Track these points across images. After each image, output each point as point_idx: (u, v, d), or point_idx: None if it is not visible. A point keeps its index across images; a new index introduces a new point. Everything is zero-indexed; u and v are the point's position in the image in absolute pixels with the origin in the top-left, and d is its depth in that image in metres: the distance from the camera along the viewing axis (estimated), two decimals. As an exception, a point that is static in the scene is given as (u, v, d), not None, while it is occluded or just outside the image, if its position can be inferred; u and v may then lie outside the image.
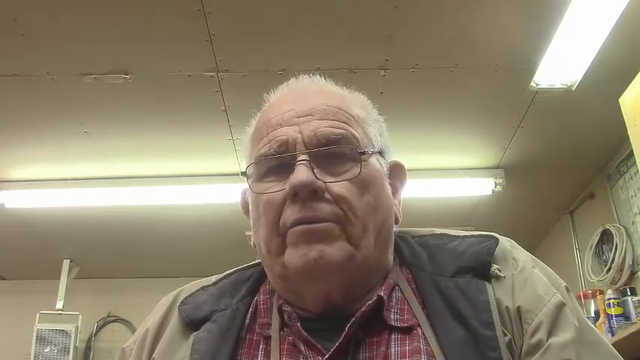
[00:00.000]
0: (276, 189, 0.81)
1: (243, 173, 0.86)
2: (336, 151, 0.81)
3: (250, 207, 0.87)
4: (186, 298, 0.88)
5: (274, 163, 0.82)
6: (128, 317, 4.81)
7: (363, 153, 0.82)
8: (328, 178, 0.80)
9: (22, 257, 4.59)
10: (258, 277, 0.90)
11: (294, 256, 0.78)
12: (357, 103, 0.90)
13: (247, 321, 0.85)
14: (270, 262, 0.83)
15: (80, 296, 4.69)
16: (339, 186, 0.79)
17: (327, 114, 0.84)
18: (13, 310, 4.81)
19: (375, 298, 0.79)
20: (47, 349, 4.36)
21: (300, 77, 0.93)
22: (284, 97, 0.89)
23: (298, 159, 0.80)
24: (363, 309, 0.77)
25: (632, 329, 2.70)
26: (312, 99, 0.86)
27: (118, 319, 4.87)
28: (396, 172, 0.91)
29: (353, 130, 0.84)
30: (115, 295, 4.90)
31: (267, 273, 0.87)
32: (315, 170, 0.79)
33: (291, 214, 0.78)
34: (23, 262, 4.68)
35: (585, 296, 3.32)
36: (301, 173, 0.78)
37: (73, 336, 4.43)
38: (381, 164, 0.86)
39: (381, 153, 0.87)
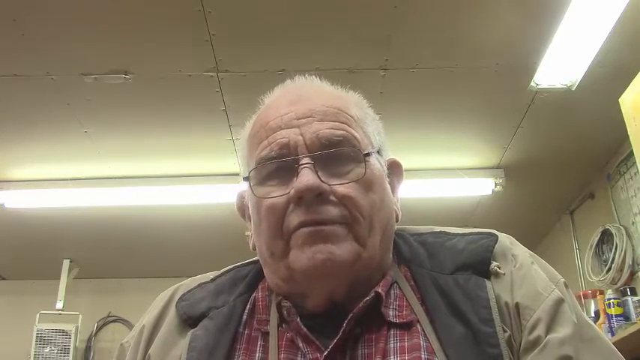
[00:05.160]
0: (278, 193, 0.80)
1: (246, 178, 0.85)
2: (339, 153, 0.81)
3: (250, 210, 0.86)
4: (183, 294, 0.88)
5: (275, 166, 0.81)
6: (128, 317, 4.80)
7: (367, 154, 0.82)
8: (333, 180, 0.79)
9: (22, 257, 4.59)
10: (255, 274, 0.89)
11: (300, 258, 0.77)
12: (354, 103, 0.90)
13: (245, 317, 0.84)
14: (274, 265, 0.82)
15: (80, 296, 4.69)
16: (344, 187, 0.79)
17: (327, 115, 0.83)
18: (13, 310, 4.80)
19: (372, 294, 0.79)
20: (47, 349, 4.36)
21: (295, 78, 0.92)
22: (281, 99, 0.88)
23: (301, 162, 0.79)
24: (360, 305, 0.77)
25: (632, 329, 2.70)
26: (310, 100, 0.85)
27: (118, 319, 4.87)
28: (394, 170, 0.91)
29: (353, 131, 0.83)
30: (115, 295, 4.90)
31: (267, 276, 0.86)
32: (320, 173, 0.78)
33: (295, 217, 0.78)
34: (23, 262, 4.68)
35: (585, 296, 3.32)
36: (306, 177, 0.77)
37: (73, 336, 4.43)
38: (380, 163, 0.86)
39: (379, 152, 0.87)
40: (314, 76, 0.92)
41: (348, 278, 0.79)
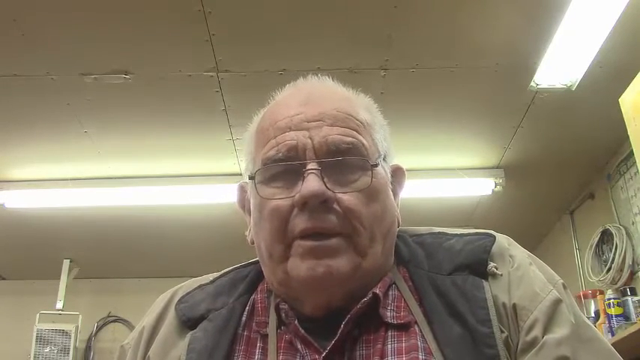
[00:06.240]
0: (283, 196, 0.80)
1: (251, 177, 0.84)
2: (346, 162, 0.81)
3: (252, 207, 0.86)
4: (183, 296, 0.88)
5: (282, 168, 0.81)
6: (128, 317, 4.80)
7: (375, 165, 0.82)
8: (338, 189, 0.79)
9: (22, 257, 4.59)
10: (255, 276, 0.89)
11: (299, 268, 0.78)
12: (364, 106, 0.89)
13: (244, 319, 0.84)
14: (272, 267, 0.82)
15: (80, 296, 4.69)
16: (348, 197, 0.79)
17: (337, 120, 0.82)
18: (13, 310, 4.81)
19: (370, 295, 0.79)
20: (47, 349, 4.36)
21: (308, 77, 0.92)
22: (291, 98, 0.87)
23: (308, 167, 0.79)
24: (358, 306, 0.77)
25: (632, 329, 2.70)
26: (321, 103, 0.84)
27: (118, 319, 4.87)
28: (397, 176, 0.91)
29: (362, 139, 0.83)
30: (115, 295, 4.90)
31: (266, 276, 0.86)
32: (325, 180, 0.78)
33: (299, 223, 0.78)
34: (23, 262, 4.68)
35: (585, 296, 3.33)
36: (312, 183, 0.77)
37: (73, 336, 4.43)
38: (385, 170, 0.86)
39: (384, 158, 0.87)
40: (326, 77, 0.91)
41: (346, 288, 0.79)
